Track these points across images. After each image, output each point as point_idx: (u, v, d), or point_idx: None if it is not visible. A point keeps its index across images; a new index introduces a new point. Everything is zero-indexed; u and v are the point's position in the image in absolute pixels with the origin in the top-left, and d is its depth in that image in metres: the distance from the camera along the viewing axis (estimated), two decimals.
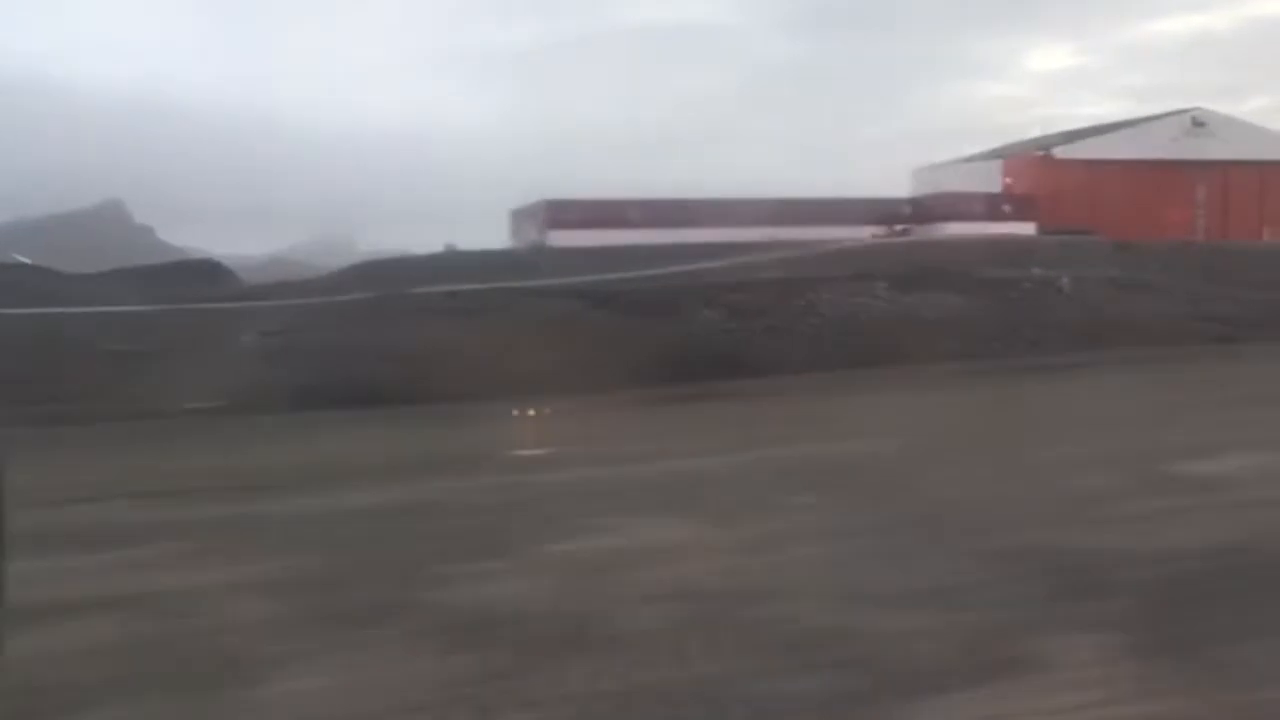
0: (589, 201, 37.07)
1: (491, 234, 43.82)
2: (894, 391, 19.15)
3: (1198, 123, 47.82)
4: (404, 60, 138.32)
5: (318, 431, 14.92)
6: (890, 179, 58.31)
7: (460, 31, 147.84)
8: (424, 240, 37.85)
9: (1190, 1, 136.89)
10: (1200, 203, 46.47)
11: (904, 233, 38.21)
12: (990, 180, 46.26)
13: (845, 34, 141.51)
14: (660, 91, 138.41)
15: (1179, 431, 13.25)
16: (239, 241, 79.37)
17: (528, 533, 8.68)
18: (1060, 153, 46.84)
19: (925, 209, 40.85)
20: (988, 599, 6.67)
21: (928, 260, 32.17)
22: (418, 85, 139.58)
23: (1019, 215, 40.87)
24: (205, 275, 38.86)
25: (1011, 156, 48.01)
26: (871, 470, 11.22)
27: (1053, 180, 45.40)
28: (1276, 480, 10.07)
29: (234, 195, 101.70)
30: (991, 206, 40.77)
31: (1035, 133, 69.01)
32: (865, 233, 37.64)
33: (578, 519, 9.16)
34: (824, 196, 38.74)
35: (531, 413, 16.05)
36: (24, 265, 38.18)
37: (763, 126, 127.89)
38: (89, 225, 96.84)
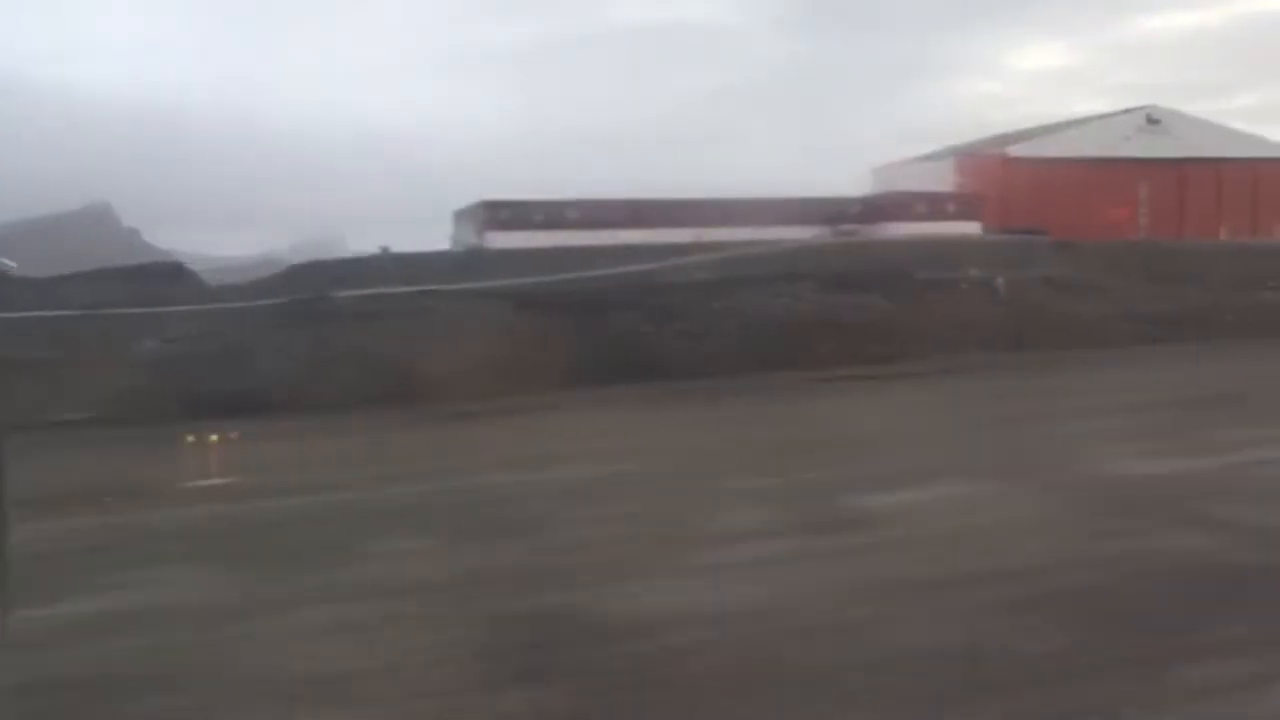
0: (528, 202, 36.40)
1: None
2: (740, 400, 18.64)
3: (1152, 120, 47.27)
4: (401, 61, 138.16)
5: (119, 447, 14.30)
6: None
7: (458, 32, 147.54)
8: (418, 240, 37.01)
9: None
10: (1144, 201, 45.85)
11: (852, 233, 37.59)
12: (946, 179, 45.67)
13: (841, 33, 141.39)
14: (659, 91, 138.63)
15: (931, 452, 12.70)
16: (231, 243, 78.63)
17: (42, 590, 7.91)
18: (1014, 151, 46.19)
19: (872, 208, 40.22)
20: (413, 686, 5.86)
21: (865, 261, 31.66)
22: (415, 86, 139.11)
23: (964, 215, 40.26)
24: (167, 277, 38.16)
25: (965, 155, 47.35)
26: (534, 504, 10.39)
27: (1006, 179, 44.81)
28: (943, 516, 9.28)
29: (227, 197, 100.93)
30: (936, 206, 40.14)
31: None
32: (813, 232, 37.01)
33: (117, 571, 8.62)
34: (771, 196, 38.07)
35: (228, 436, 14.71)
36: None
37: (762, 126, 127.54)
38: (75, 228, 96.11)
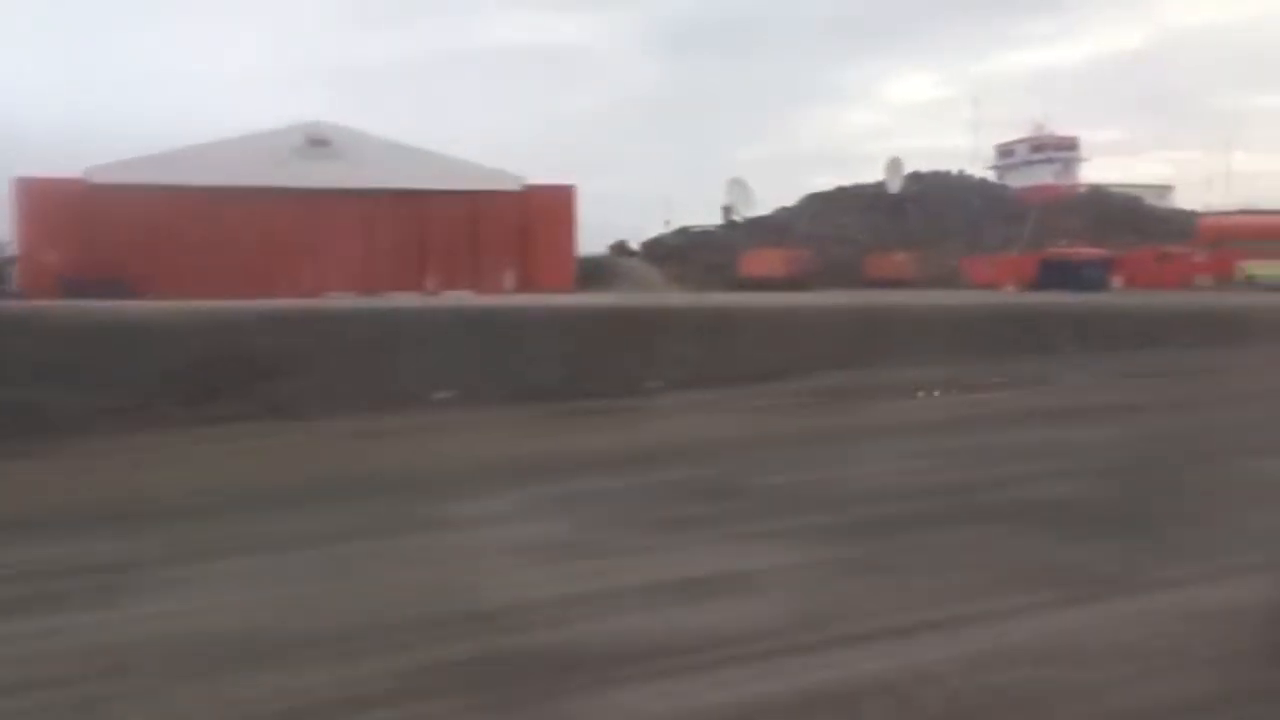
0: None
1: None
2: None
3: (316, 140, 37.46)
4: (260, 75, 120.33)
5: None
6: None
7: (320, 47, 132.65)
8: None
9: (1046, 34, 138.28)
10: (297, 243, 35.71)
11: None
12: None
13: (711, 59, 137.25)
14: (529, 112, 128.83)
15: None
16: None
17: None
18: (101, 176, 35.03)
19: None
20: None
21: None
22: (274, 100, 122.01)
23: None
24: None
25: (30, 180, 35.55)
26: None
27: (88, 213, 33.61)
28: None
29: None
30: None
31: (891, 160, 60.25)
32: None
33: None
34: None
35: None
36: None
37: (631, 150, 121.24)
38: None
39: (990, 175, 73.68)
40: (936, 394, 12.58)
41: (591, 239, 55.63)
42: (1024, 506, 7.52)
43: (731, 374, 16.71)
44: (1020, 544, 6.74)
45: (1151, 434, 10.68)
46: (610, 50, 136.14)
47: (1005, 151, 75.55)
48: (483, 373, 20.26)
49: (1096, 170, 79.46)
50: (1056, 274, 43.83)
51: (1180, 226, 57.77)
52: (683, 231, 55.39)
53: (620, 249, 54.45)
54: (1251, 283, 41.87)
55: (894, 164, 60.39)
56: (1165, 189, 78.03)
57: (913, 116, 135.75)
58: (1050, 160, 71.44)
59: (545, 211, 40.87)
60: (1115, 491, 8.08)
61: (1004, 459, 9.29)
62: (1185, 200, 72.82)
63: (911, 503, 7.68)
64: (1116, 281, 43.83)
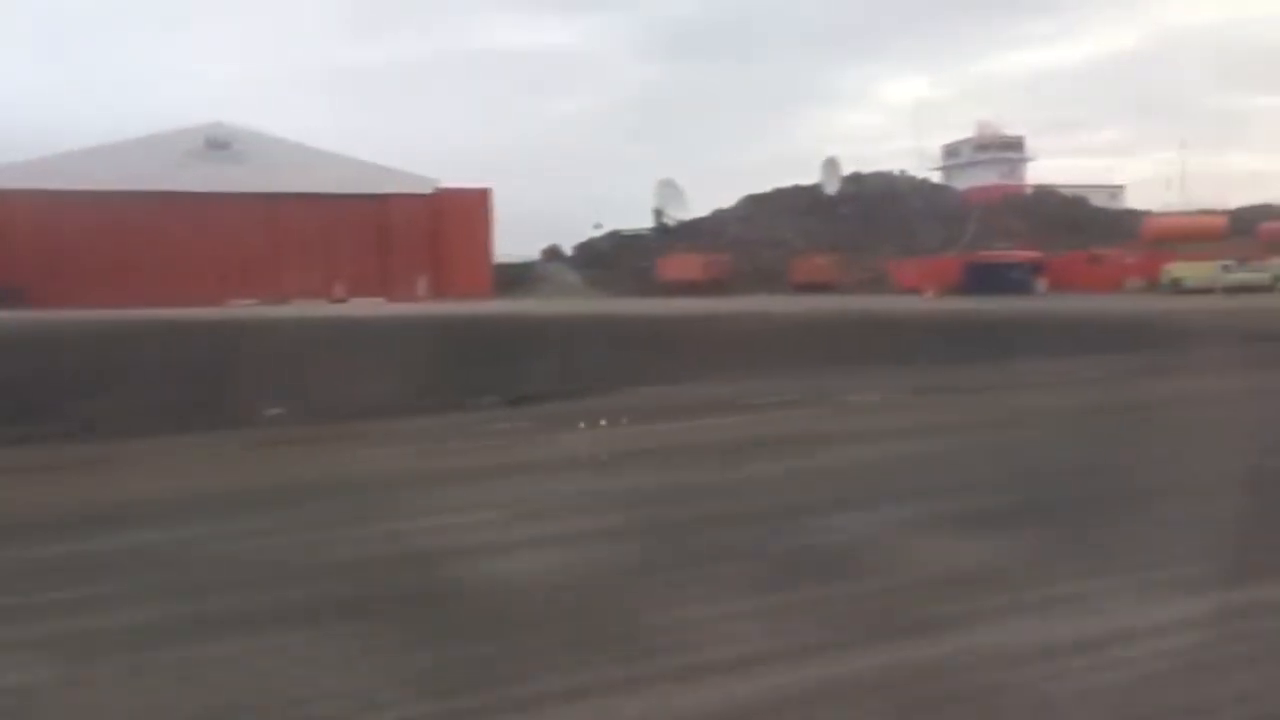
0: None
1: None
2: None
3: (217, 144, 36.69)
4: (249, 77, 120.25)
5: None
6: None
7: (309, 50, 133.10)
8: None
9: (1042, 35, 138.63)
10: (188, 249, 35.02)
11: None
12: None
13: (704, 61, 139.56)
14: (520, 116, 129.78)
15: None
16: None
17: None
18: None
19: None
20: None
21: None
22: (264, 104, 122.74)
23: None
24: None
25: None
26: None
27: None
28: None
29: None
30: None
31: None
32: None
33: None
34: None
35: None
36: None
37: (627, 153, 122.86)
38: None
39: (936, 176, 73.42)
40: (603, 424, 11.73)
41: (541, 242, 55.25)
42: (410, 596, 5.49)
43: (565, 389, 16.14)
44: (298, 658, 4.61)
45: (779, 476, 8.77)
46: (591, 54, 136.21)
47: (951, 151, 75.21)
48: (323, 387, 19.61)
49: (1052, 171, 79.60)
50: (981, 278, 43.57)
51: (1128, 227, 57.47)
52: (613, 235, 54.66)
53: (553, 253, 53.89)
54: (1175, 286, 41.49)
55: (830, 164, 59.94)
56: (1117, 189, 77.91)
57: (907, 118, 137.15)
58: (996, 160, 71.15)
59: (459, 215, 40.15)
60: (570, 571, 6.06)
61: (517, 518, 7.23)
62: (1145, 201, 72.61)
63: (283, 590, 5.44)
64: (1043, 285, 43.57)
